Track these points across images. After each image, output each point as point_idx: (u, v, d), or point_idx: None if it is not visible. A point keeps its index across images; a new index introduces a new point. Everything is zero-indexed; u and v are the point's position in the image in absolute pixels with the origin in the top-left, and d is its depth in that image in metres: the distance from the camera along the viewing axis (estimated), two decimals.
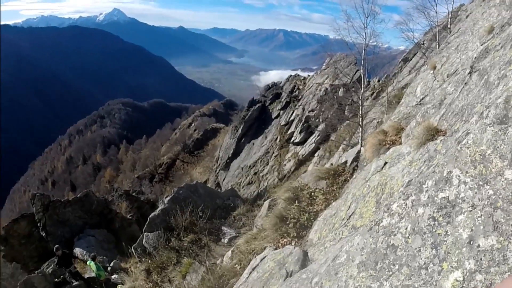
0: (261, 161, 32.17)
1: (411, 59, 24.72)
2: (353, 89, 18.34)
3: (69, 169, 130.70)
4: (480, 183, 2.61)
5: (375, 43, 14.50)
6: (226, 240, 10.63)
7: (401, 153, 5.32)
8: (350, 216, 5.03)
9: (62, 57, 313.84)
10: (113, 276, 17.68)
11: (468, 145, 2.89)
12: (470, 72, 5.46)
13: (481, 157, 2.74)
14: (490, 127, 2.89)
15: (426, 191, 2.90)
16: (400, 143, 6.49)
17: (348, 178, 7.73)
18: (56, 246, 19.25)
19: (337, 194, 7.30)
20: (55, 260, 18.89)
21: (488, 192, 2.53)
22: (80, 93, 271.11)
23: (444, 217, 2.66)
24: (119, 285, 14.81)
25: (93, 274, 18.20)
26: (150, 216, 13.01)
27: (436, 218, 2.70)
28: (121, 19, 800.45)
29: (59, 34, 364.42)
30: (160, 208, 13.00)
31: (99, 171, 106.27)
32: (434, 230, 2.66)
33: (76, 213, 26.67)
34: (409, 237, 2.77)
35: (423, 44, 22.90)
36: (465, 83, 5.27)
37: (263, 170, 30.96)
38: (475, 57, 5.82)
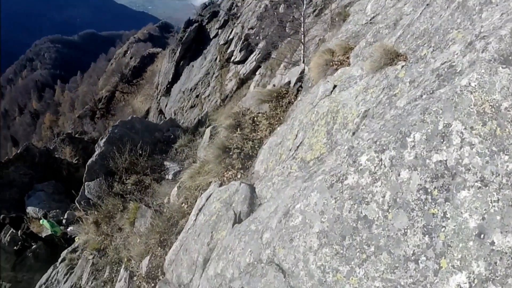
0: (202, 83, 31.58)
1: None
2: (294, 5, 17.99)
3: (6, 123, 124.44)
4: (494, 148, 1.89)
5: None
6: (170, 176, 10.27)
7: (351, 75, 4.70)
8: (298, 147, 4.56)
9: None
10: (69, 229, 17.19)
11: (472, 89, 2.08)
12: None
13: (493, 110, 1.99)
14: (503, 68, 2.08)
15: (413, 147, 2.16)
16: (349, 64, 5.81)
17: (293, 100, 7.21)
18: (2, 216, 18.69)
19: (281, 118, 6.81)
20: (11, 226, 18.50)
21: (507, 166, 1.82)
22: (2, 38, 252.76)
23: (441, 190, 1.95)
24: (76, 238, 14.50)
25: (49, 232, 17.88)
26: (88, 163, 12.48)
27: (429, 190, 2.00)
28: None
29: None
30: (96, 152, 12.38)
31: (38, 119, 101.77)
32: (426, 207, 1.97)
33: (20, 171, 25.64)
34: (389, 210, 2.09)
35: None
36: (427, 4, 4.46)
37: (205, 92, 30.47)
38: None
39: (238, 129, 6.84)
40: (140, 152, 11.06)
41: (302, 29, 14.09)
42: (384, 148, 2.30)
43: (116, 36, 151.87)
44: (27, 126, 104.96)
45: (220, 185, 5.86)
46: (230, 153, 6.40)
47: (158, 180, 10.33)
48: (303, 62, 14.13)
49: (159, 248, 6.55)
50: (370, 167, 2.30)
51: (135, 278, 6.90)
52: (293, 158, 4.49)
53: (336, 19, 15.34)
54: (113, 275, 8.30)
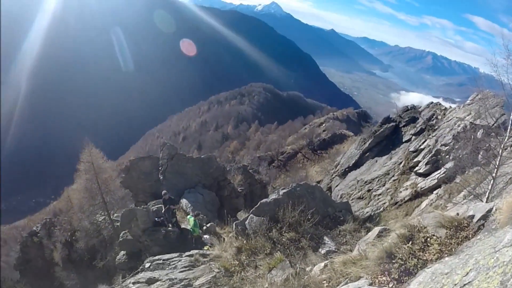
0: (378, 180, 30.80)
1: None
2: (492, 133, 16.81)
3: (201, 131, 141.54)
4: None
5: None
6: (323, 251, 10.33)
7: None
8: (465, 285, 4.39)
9: (218, 37, 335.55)
10: (205, 236, 18.59)
11: None
12: None
13: None
14: None
15: None
16: None
17: (470, 236, 6.81)
18: (164, 191, 21.03)
19: (453, 249, 6.48)
20: (163, 203, 20.49)
21: None
22: (229, 69, 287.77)
23: None
24: (207, 246, 15.70)
25: (188, 227, 19.56)
26: (262, 201, 12.94)
27: None
28: (277, 12, 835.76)
29: (219, 15, 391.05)
30: (273, 197, 12.88)
31: (226, 141, 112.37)
32: None
33: (194, 170, 28.62)
34: None
35: None
36: None
37: (378, 190, 29.65)
38: None
39: (410, 243, 6.74)
40: (309, 217, 11.39)
41: (496, 161, 13.08)
42: None
43: (318, 107, 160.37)
44: (215, 142, 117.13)
45: (370, 284, 5.89)
46: (393, 261, 6.33)
47: (313, 248, 10.52)
48: (487, 198, 13.15)
49: None
50: None
51: None
52: None
53: None
54: None
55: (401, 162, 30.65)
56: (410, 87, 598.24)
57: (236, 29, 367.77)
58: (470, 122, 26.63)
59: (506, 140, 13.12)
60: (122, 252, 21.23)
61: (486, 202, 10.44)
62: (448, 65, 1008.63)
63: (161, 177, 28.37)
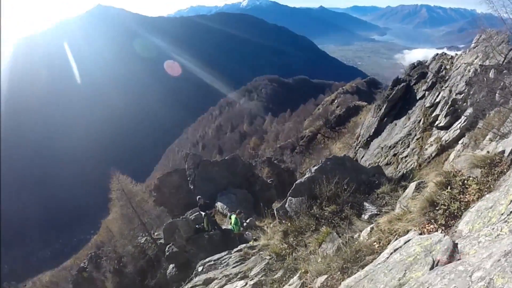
0: (402, 142, 30.76)
1: None
2: (505, 71, 16.59)
3: (218, 135, 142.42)
4: None
5: None
6: (366, 217, 10.44)
7: None
8: (511, 212, 4.56)
9: (212, 41, 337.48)
10: (246, 233, 18.98)
11: None
12: None
13: None
14: None
15: None
16: None
17: (505, 170, 6.90)
18: (199, 196, 21.54)
19: (491, 186, 6.56)
20: (200, 208, 21.07)
21: None
22: (230, 71, 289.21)
23: None
24: (252, 241, 15.97)
25: (229, 227, 19.96)
26: (296, 182, 13.12)
27: None
28: (263, 3, 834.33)
29: (208, 21, 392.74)
30: (306, 176, 13.06)
31: (244, 139, 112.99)
32: None
33: (222, 173, 29.12)
34: None
35: None
36: None
37: (403, 152, 29.57)
38: None
39: (448, 188, 6.84)
40: (345, 187, 11.35)
41: None
42: None
43: (326, 85, 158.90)
44: (234, 142, 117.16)
45: (420, 234, 5.90)
46: (436, 208, 6.45)
47: (356, 216, 10.60)
48: None
49: (339, 273, 6.73)
50: None
51: None
52: (504, 221, 4.51)
53: None
54: (284, 279, 8.65)
55: (420, 120, 30.45)
56: (412, 44, 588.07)
57: (227, 29, 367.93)
58: (480, 65, 26.29)
59: None
60: (171, 266, 21.75)
61: None
62: (445, 14, 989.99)
63: (192, 187, 28.85)
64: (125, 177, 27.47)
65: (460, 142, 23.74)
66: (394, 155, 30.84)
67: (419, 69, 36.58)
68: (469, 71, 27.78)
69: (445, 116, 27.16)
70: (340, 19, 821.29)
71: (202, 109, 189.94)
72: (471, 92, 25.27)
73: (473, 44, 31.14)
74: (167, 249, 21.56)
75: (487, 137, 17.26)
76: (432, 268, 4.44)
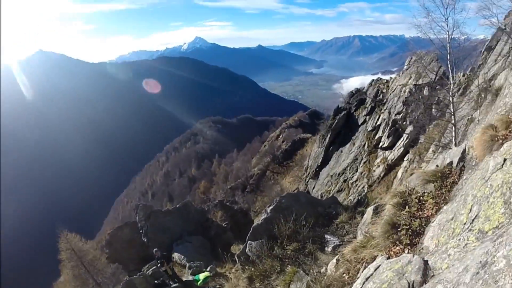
0: (350, 168, 31.33)
1: (495, 47, 22.75)
2: (437, 87, 17.53)
3: (166, 182, 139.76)
4: None
5: (458, 35, 13.89)
6: (330, 249, 10.36)
7: None
8: (473, 220, 4.64)
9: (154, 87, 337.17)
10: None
11: None
12: None
13: None
14: None
15: None
16: None
17: (457, 180, 7.17)
18: (155, 249, 20.47)
19: (447, 197, 6.77)
20: (156, 262, 19.78)
21: None
22: (174, 114, 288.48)
23: None
24: None
25: (190, 278, 19.00)
26: (254, 225, 12.97)
27: None
28: (203, 46, 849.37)
29: (150, 65, 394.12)
30: (263, 217, 12.90)
31: (194, 183, 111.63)
32: None
33: (175, 222, 28.10)
34: None
35: (505, 28, 20.56)
36: None
37: (353, 177, 30.17)
38: None
39: (406, 207, 6.90)
40: (304, 222, 11.35)
41: (451, 109, 13.71)
42: None
43: (269, 122, 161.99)
44: (183, 188, 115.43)
45: (388, 258, 5.90)
46: (399, 229, 6.47)
47: (319, 250, 10.54)
48: (455, 144, 13.79)
49: None
50: None
51: None
52: (469, 230, 4.56)
53: (482, 95, 14.75)
54: None
55: (364, 144, 31.28)
56: (349, 73, 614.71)
57: (168, 73, 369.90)
58: (414, 84, 27.56)
59: (452, 87, 13.70)
60: None
61: (456, 147, 10.74)
62: (376, 41, 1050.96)
63: (145, 240, 27.58)
64: (73, 235, 25.97)
65: (405, 158, 24.54)
66: (344, 181, 31.28)
67: (358, 96, 37.90)
68: (404, 91, 29.09)
69: (388, 137, 28.09)
70: (278, 56, 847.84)
71: (149, 157, 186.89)
72: (409, 111, 26.36)
73: (405, 66, 32.77)
74: None
75: (430, 150, 17.97)
76: None
